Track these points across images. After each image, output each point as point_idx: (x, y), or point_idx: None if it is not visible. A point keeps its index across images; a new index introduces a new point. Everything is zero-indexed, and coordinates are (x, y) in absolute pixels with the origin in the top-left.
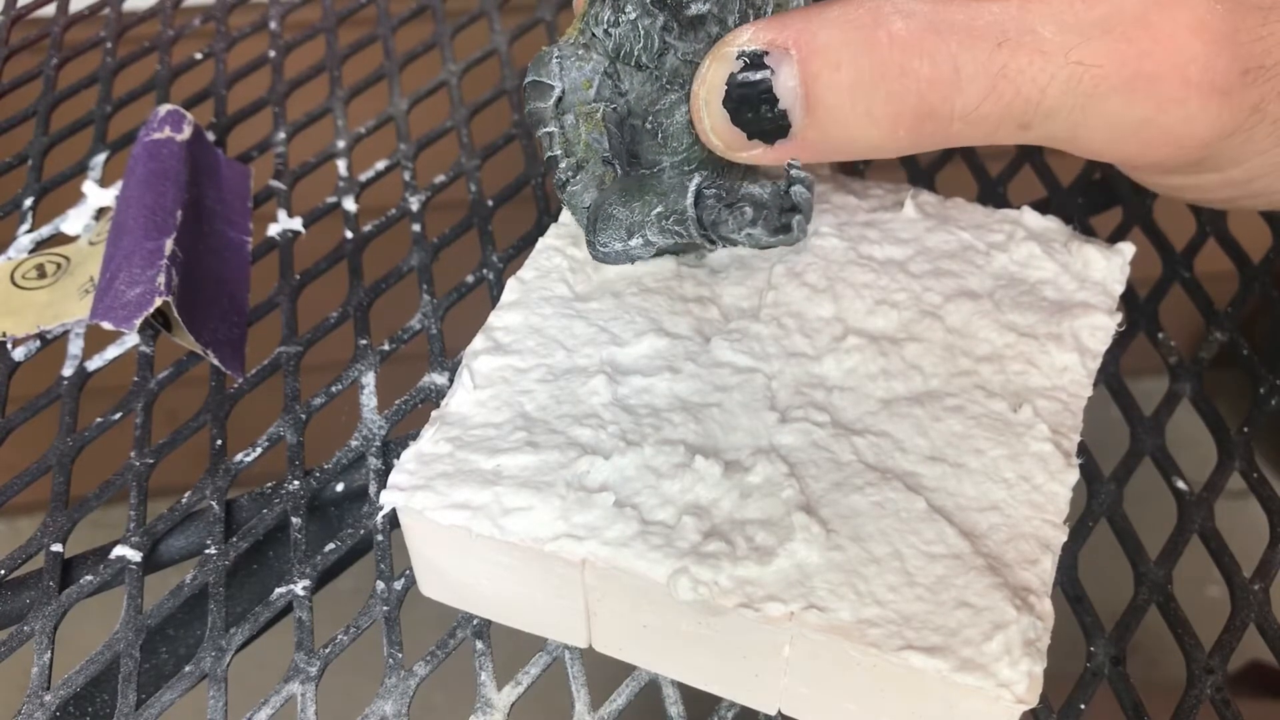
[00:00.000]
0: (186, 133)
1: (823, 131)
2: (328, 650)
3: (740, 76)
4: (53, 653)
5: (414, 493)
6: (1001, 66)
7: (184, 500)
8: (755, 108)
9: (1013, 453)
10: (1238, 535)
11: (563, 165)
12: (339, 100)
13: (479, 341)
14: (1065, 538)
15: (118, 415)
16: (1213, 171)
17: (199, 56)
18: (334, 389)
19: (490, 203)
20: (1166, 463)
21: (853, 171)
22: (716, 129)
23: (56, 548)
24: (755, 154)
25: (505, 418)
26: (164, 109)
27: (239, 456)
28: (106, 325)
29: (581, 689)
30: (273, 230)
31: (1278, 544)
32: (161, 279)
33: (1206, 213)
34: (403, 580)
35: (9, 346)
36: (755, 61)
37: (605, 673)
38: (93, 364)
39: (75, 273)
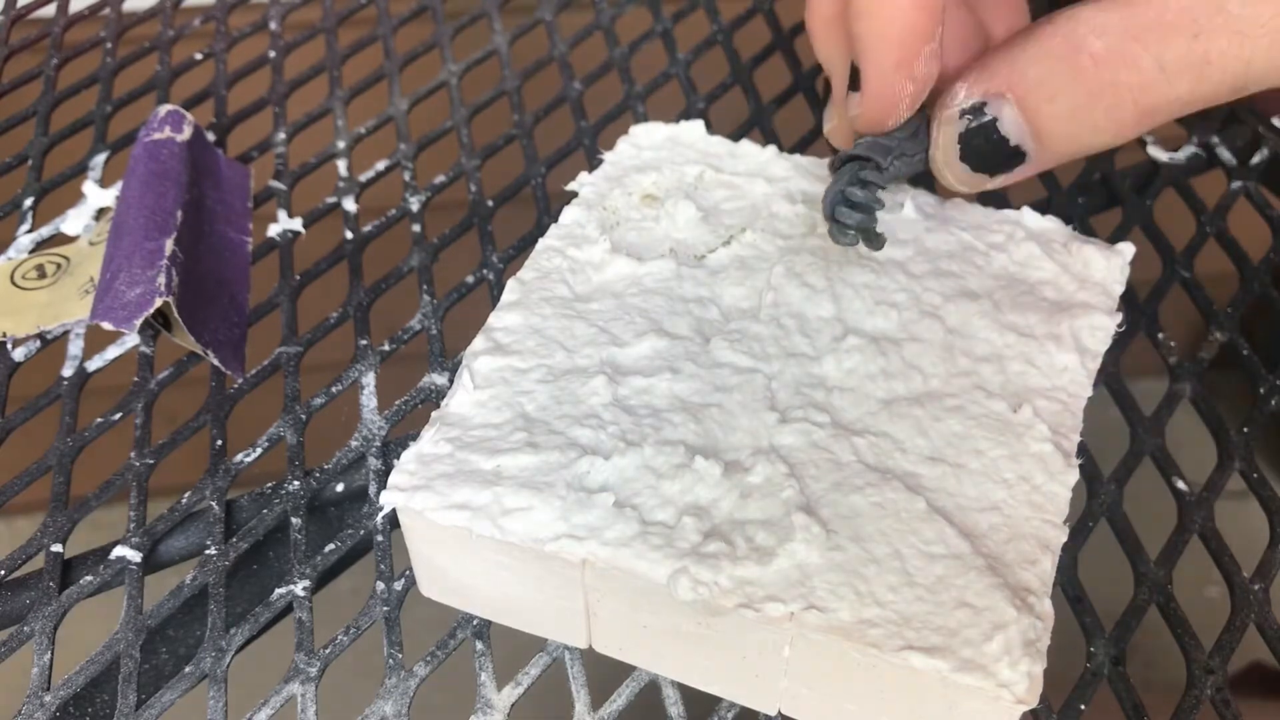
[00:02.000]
0: (186, 133)
1: (1055, 151)
2: (328, 650)
3: (968, 131)
4: (53, 653)
5: (414, 493)
6: (1203, 55)
7: (184, 500)
8: (990, 153)
9: (1013, 453)
10: (1238, 535)
11: None
12: (339, 100)
13: (479, 342)
14: (1065, 538)
15: (118, 415)
16: None
17: (199, 56)
18: (334, 389)
19: (490, 203)
20: (1166, 463)
21: None
22: (961, 180)
23: (56, 548)
24: (1000, 180)
25: (505, 418)
26: (164, 109)
27: (239, 457)
28: (106, 325)
29: (581, 689)
30: (273, 230)
31: (1278, 544)
32: (161, 279)
33: (1206, 213)
34: (403, 580)
35: (9, 346)
36: (977, 114)
37: (605, 673)
38: (93, 364)
39: (75, 273)
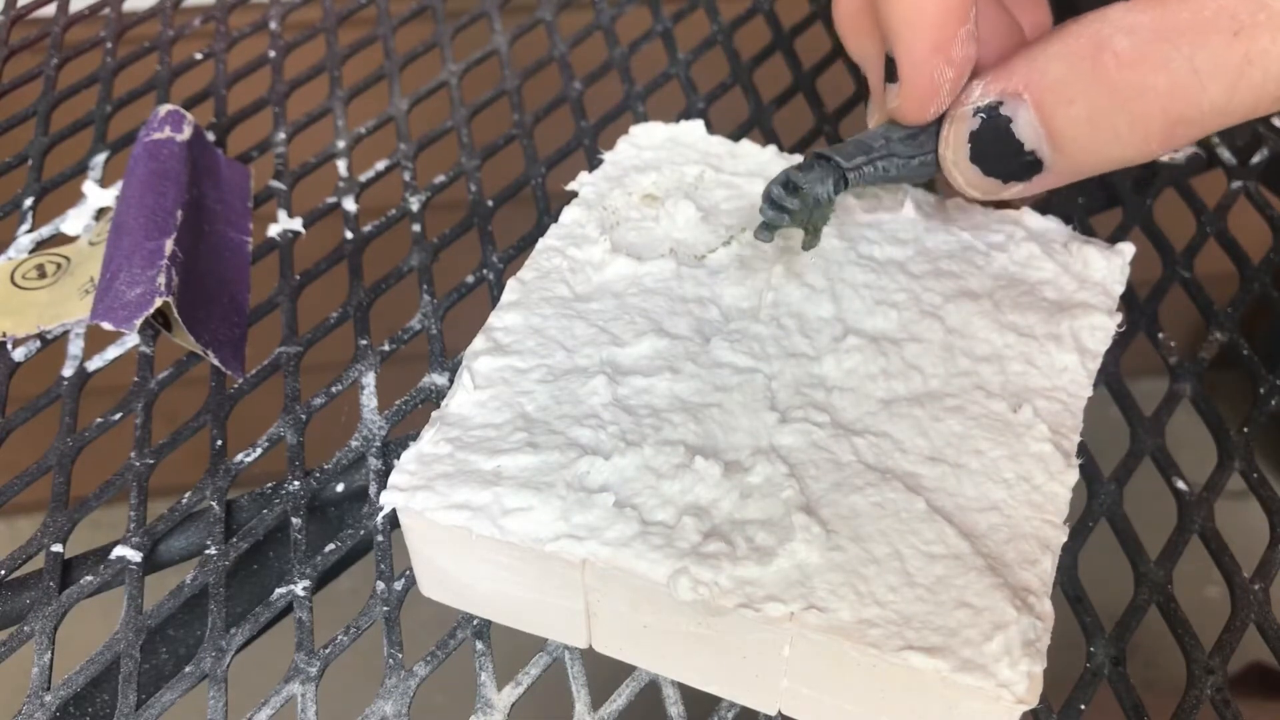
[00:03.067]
0: (186, 133)
1: (1074, 160)
2: (328, 650)
3: (980, 129)
4: (53, 653)
5: (414, 493)
6: (1244, 54)
7: (184, 500)
8: (1003, 156)
9: (1012, 453)
10: (1238, 535)
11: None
12: (339, 100)
13: (479, 342)
14: (1065, 538)
15: (118, 415)
16: None
17: (199, 56)
18: (334, 389)
19: (490, 203)
20: (1166, 463)
21: None
22: (972, 183)
23: (56, 548)
24: (1016, 190)
25: (505, 418)
26: (164, 109)
27: (239, 457)
28: (107, 325)
29: (581, 689)
30: (273, 230)
31: (1278, 544)
32: (161, 279)
33: (1206, 213)
34: (403, 580)
35: (9, 346)
36: (991, 113)
37: (605, 673)
38: (93, 364)
39: (75, 273)
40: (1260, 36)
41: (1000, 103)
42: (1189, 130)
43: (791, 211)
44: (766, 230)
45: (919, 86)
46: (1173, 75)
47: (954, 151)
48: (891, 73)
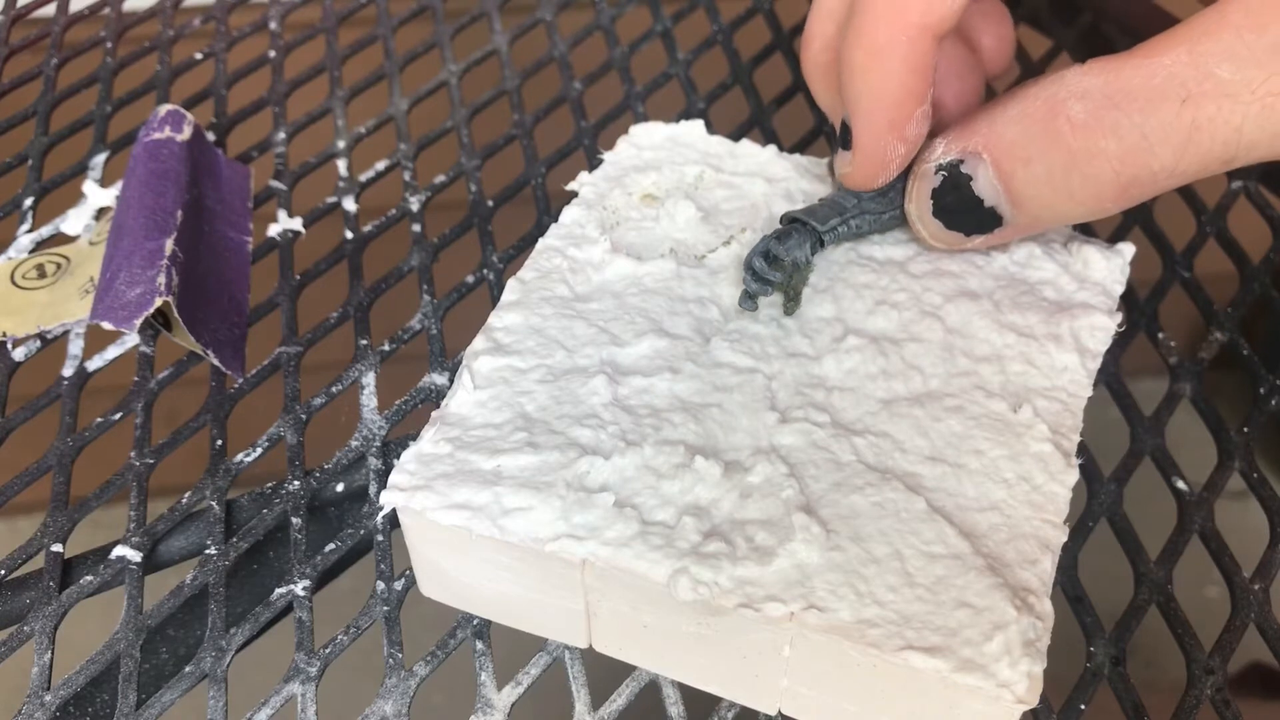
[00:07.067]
0: (186, 133)
1: (1032, 216)
2: (328, 650)
3: (941, 187)
4: (53, 653)
5: (414, 493)
6: (1191, 121)
7: (184, 500)
8: (964, 211)
9: (1013, 453)
10: (1238, 535)
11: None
12: (339, 100)
13: (479, 342)
14: (1065, 538)
15: (118, 415)
16: None
17: (199, 56)
18: (334, 389)
19: (490, 203)
20: (1166, 463)
21: None
22: (935, 236)
23: (56, 548)
24: (979, 242)
25: (505, 418)
26: (164, 109)
27: (239, 456)
28: (107, 325)
29: (581, 689)
30: (273, 230)
31: (1278, 544)
32: (162, 279)
33: (1206, 213)
34: (403, 580)
35: (9, 346)
36: (953, 170)
37: (605, 673)
38: (93, 364)
39: (75, 273)
40: (1206, 105)
41: (961, 160)
42: (1141, 190)
43: (773, 283)
44: (750, 300)
45: (871, 159)
46: (1123, 140)
47: (918, 206)
48: (845, 139)
